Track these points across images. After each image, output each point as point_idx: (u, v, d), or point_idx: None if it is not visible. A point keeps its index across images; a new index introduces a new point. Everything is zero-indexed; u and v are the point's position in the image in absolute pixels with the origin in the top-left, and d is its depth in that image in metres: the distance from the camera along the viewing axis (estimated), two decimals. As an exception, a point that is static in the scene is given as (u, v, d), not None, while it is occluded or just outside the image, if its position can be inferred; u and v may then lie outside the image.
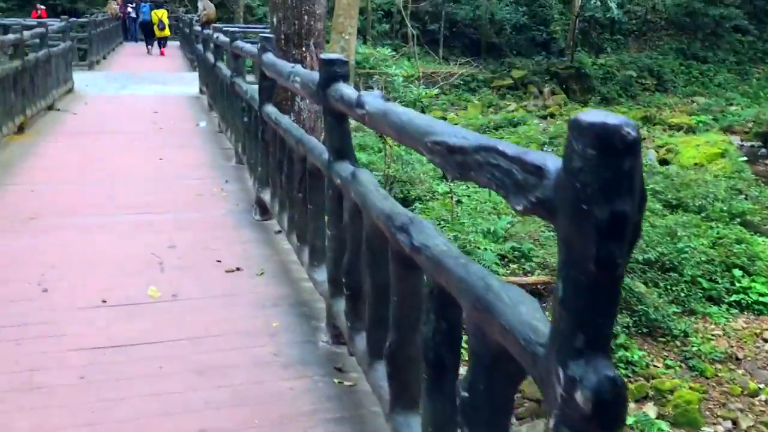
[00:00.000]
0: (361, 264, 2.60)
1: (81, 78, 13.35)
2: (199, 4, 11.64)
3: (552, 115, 28.45)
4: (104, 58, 19.51)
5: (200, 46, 11.12)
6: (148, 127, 8.98)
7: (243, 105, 6.05)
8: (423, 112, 10.81)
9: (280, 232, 4.65)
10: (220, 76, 7.86)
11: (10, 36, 7.67)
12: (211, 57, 9.50)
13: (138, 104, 11.06)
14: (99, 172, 6.47)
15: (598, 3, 26.89)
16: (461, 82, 31.40)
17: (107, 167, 6.66)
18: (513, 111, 29.62)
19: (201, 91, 12.19)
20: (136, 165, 6.79)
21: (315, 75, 3.10)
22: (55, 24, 11.20)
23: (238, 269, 4.06)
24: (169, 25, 23.79)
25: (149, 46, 22.70)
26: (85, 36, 16.84)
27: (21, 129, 8.02)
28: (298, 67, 3.58)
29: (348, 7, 10.15)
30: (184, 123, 9.43)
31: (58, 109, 10.01)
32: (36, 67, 8.88)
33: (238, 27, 17.73)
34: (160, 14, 21.65)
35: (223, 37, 7.64)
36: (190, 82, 13.79)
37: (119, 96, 12.01)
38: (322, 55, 2.94)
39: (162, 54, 22.06)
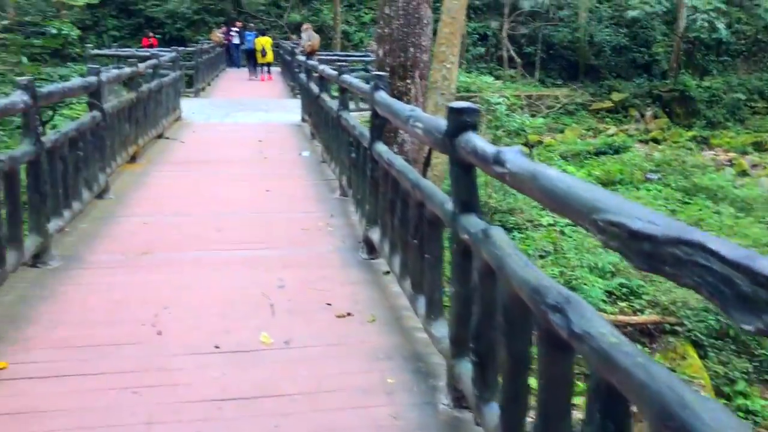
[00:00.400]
0: (493, 331, 2.40)
1: (188, 105, 13.83)
2: (303, 35, 11.83)
3: (655, 140, 27.31)
4: (209, 84, 20.23)
5: (303, 76, 11.28)
6: (254, 156, 9.12)
7: (350, 140, 5.99)
8: (527, 144, 10.54)
9: (388, 272, 4.51)
10: (325, 107, 7.88)
11: (127, 69, 7.99)
12: (315, 88, 9.59)
13: (243, 132, 11.31)
14: (208, 203, 6.57)
15: (705, 24, 25.67)
16: (558, 105, 30.72)
17: (215, 198, 6.75)
18: (613, 135, 28.64)
19: (303, 120, 12.35)
20: (244, 196, 6.86)
21: (440, 123, 2.95)
22: (166, 54, 11.67)
23: (348, 314, 3.94)
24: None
25: (252, 73, 23.63)
26: (192, 64, 17.52)
27: (133, 158, 8.30)
28: (419, 111, 3.43)
29: (450, 36, 10.02)
30: (288, 152, 9.53)
31: (168, 138, 10.35)
32: (148, 98, 9.21)
33: (338, 55, 18.02)
34: (264, 42, 22.42)
35: (329, 70, 7.66)
36: (292, 110, 14.03)
37: (224, 124, 12.35)
38: (451, 104, 2.77)
39: (263, 80, 22.81)
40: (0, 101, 4.05)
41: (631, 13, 27.39)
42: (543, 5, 32.99)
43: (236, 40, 27.58)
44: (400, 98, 7.13)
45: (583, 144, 26.32)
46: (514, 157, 2.14)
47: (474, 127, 2.72)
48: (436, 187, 3.28)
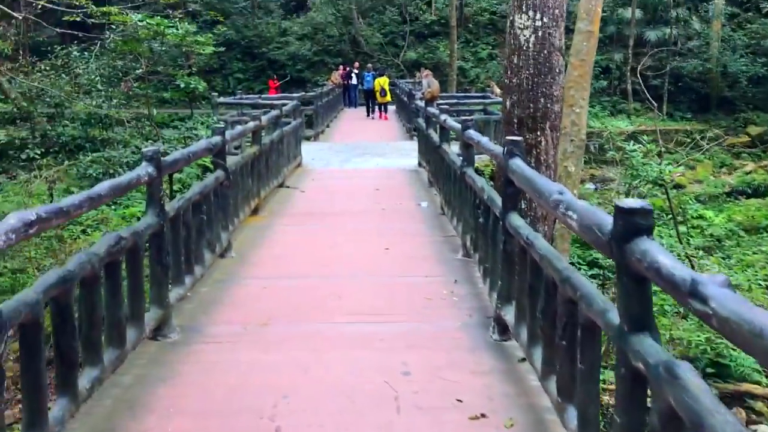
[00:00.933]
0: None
1: (307, 150, 13.96)
2: (423, 82, 11.65)
3: (803, 178, 25.03)
4: (328, 126, 20.53)
5: (422, 122, 11.04)
6: (371, 207, 8.91)
7: (476, 201, 5.60)
8: (667, 194, 9.64)
9: (524, 359, 4.05)
10: (447, 160, 7.54)
11: (251, 124, 8.04)
12: (434, 136, 9.30)
13: (361, 180, 11.20)
14: (327, 263, 6.36)
15: None
16: (688, 140, 28.92)
17: (334, 257, 6.54)
18: (750, 172, 26.56)
19: (420, 164, 12.11)
20: (362, 256, 6.60)
21: (602, 219, 2.50)
22: (288, 104, 11.81)
23: (482, 416, 3.51)
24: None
25: (371, 112, 24.09)
26: (311, 108, 17.82)
27: (256, 210, 8.29)
28: (569, 197, 2.99)
29: (580, 78, 9.45)
30: (406, 202, 9.26)
31: (288, 186, 10.37)
32: (271, 149, 9.25)
33: (456, 97, 17.75)
34: (382, 82, 22.81)
35: (452, 122, 7.33)
36: (409, 154, 13.85)
37: (343, 170, 12.31)
38: (617, 202, 2.33)
39: (382, 118, 23.20)
40: (125, 176, 3.99)
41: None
42: (670, 36, 31.42)
43: (354, 81, 28.06)
44: (529, 151, 6.68)
45: (717, 183, 24.54)
46: (722, 294, 1.67)
47: (649, 231, 2.26)
48: (594, 288, 2.82)
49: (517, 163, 4.16)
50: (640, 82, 21.63)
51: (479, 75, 33.41)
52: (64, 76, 15.44)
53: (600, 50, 33.96)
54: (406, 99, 19.28)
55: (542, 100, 6.67)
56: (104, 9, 11.82)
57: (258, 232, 7.49)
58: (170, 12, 12.91)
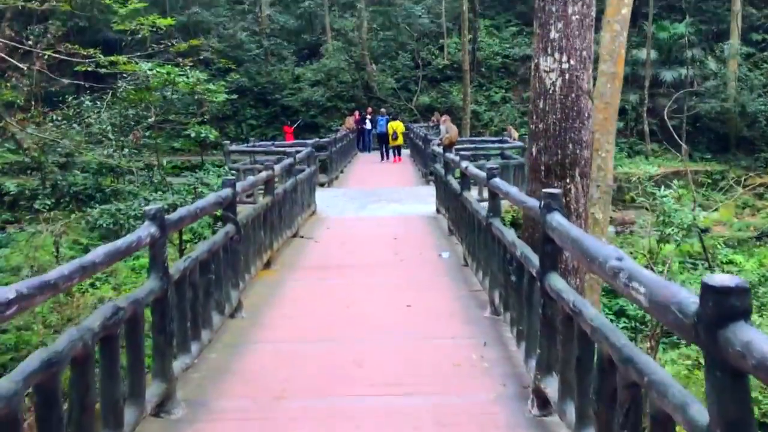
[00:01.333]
0: None
1: (322, 197, 13.64)
2: (441, 127, 11.35)
3: (829, 218, 24.41)
4: (342, 171, 20.28)
5: (441, 168, 10.69)
6: (390, 258, 8.51)
7: (506, 256, 5.19)
8: (701, 240, 9.29)
9: (569, 439, 3.58)
10: (469, 208, 7.15)
11: (263, 174, 7.71)
12: (454, 183, 8.94)
13: (377, 228, 10.82)
14: (345, 323, 5.93)
15: None
16: (708, 181, 28.42)
17: (352, 318, 6.10)
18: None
19: (438, 211, 11.74)
20: (382, 314, 6.16)
21: (682, 296, 2.08)
22: (301, 151, 11.53)
23: None
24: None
25: (384, 156, 24.41)
26: (325, 154, 17.58)
27: (268, 264, 7.91)
28: (630, 264, 2.57)
29: (605, 122, 9.12)
30: (426, 252, 8.85)
31: (302, 237, 10.00)
32: (284, 199, 8.92)
33: (473, 141, 17.49)
34: (395, 126, 23.09)
35: (475, 170, 6.95)
36: (426, 200, 13.50)
37: (359, 218, 11.96)
38: (706, 279, 1.91)
39: (396, 161, 23.51)
40: (124, 240, 3.61)
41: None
42: (686, 76, 31.20)
43: (369, 126, 28.00)
44: (557, 201, 6.27)
45: (742, 225, 23.97)
46: None
47: (747, 315, 1.84)
48: (667, 374, 2.38)
49: (558, 219, 3.76)
50: (666, 123, 21.19)
51: (493, 118, 33.31)
52: (75, 126, 15.32)
53: (614, 91, 33.85)
54: (421, 143, 19.05)
55: (571, 146, 6.29)
56: (112, 58, 11.69)
57: (270, 289, 7.09)
58: (180, 60, 12.77)
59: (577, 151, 6.32)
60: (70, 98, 15.06)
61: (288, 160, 9.57)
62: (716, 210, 26.87)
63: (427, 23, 36.99)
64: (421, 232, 10.38)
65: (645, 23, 33.74)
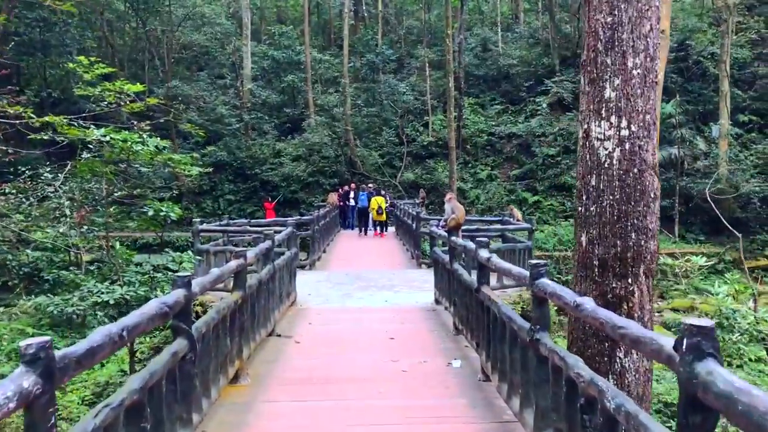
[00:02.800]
0: None
1: (302, 281, 12.04)
2: (447, 206, 9.89)
3: (834, 305, 23.15)
4: (324, 251, 18.71)
5: (442, 253, 9.20)
6: (387, 368, 6.86)
7: (564, 387, 3.64)
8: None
9: None
10: (497, 312, 5.61)
11: (231, 264, 6.11)
12: (465, 275, 7.45)
13: (368, 323, 9.19)
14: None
15: None
16: (708, 264, 27.24)
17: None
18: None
19: (437, 302, 10.19)
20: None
21: None
22: (281, 231, 9.99)
23: None
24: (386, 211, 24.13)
25: (364, 231, 24.57)
26: (307, 233, 16.04)
27: (236, 377, 6.24)
28: None
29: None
30: (431, 358, 7.22)
31: (279, 335, 8.35)
32: (258, 292, 7.32)
33: (472, 222, 16.09)
34: (380, 201, 23.11)
35: (506, 265, 5.41)
36: (421, 287, 11.98)
37: (346, 309, 10.32)
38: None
39: (377, 235, 23.61)
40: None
41: None
42: (676, 156, 30.51)
43: (353, 202, 26.79)
44: (618, 305, 4.77)
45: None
46: None
47: None
48: None
49: (712, 367, 2.23)
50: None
51: (479, 196, 32.21)
52: (30, 199, 13.69)
53: (603, 171, 33.04)
54: (410, 222, 17.62)
55: (633, 235, 4.84)
56: (48, 119, 10.11)
57: (236, 416, 5.39)
58: (134, 123, 11.25)
59: (642, 242, 4.87)
60: (23, 169, 13.45)
61: (265, 244, 8.01)
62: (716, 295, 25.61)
63: (411, 100, 36.35)
64: (421, 329, 8.76)
65: (632, 103, 33.32)
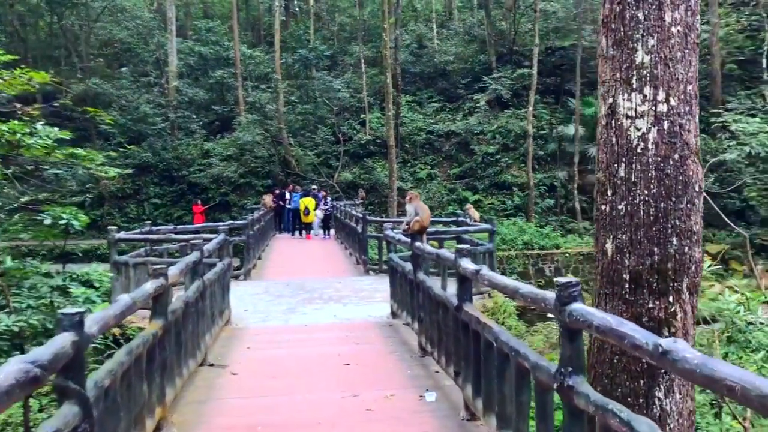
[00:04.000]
0: None
1: (237, 295, 10.65)
2: (409, 207, 8.57)
3: (775, 299, 23.13)
4: (260, 258, 17.23)
5: (403, 262, 7.99)
6: (348, 408, 5.59)
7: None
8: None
9: None
10: (486, 337, 4.44)
11: (148, 286, 4.71)
12: (435, 287, 6.27)
13: (317, 345, 7.88)
14: None
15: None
16: (647, 261, 26.98)
17: None
18: (720, 294, 24.56)
19: (394, 314, 9.00)
20: None
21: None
22: (212, 239, 8.55)
23: None
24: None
25: (297, 232, 24.32)
26: (241, 239, 14.53)
27: (158, 428, 4.86)
28: None
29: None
30: (399, 390, 5.99)
31: (212, 364, 6.96)
32: (185, 316, 5.94)
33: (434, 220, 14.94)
34: (307, 202, 22.72)
35: (504, 280, 4.23)
36: (372, 297, 10.80)
37: (289, 327, 8.97)
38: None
39: (308, 238, 23.03)
40: None
41: (729, 156, 24.21)
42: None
43: (290, 204, 25.51)
44: (656, 331, 3.66)
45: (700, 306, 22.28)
46: None
47: None
48: None
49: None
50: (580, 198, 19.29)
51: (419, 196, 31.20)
52: None
53: (542, 168, 32.66)
54: (355, 224, 16.36)
55: (675, 240, 3.76)
56: None
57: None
58: (17, 106, 9.51)
59: (685, 249, 3.79)
60: None
61: (191, 256, 6.61)
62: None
63: (347, 97, 35.04)
64: (380, 350, 7.53)
65: (569, 99, 33.08)
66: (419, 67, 37.80)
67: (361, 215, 14.81)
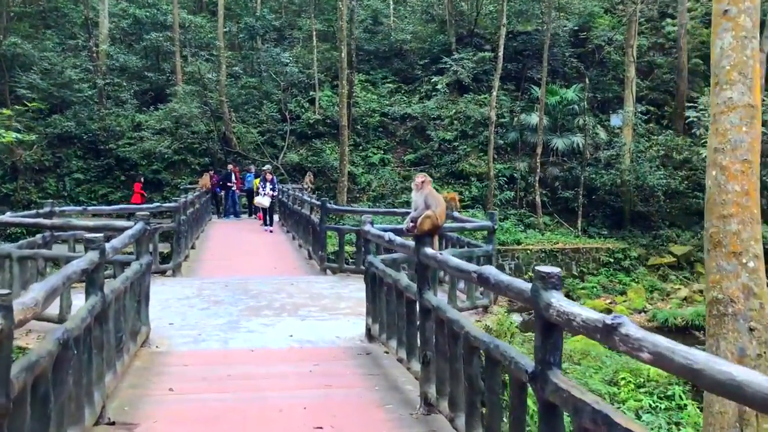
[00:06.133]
0: None
1: (162, 298, 8.23)
2: (416, 196, 5.95)
3: (745, 305, 21.96)
4: (193, 247, 14.66)
5: (391, 271, 5.74)
6: None
7: None
8: None
9: None
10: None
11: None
12: (467, 325, 4.06)
13: (272, 388, 5.52)
14: None
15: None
16: (611, 260, 25.56)
17: None
18: (686, 298, 23.34)
19: (370, 335, 6.76)
20: None
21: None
22: (123, 232, 6.01)
23: None
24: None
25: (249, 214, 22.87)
26: (171, 226, 11.94)
27: None
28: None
29: (744, 200, 4.69)
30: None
31: (112, 423, 4.57)
32: (60, 363, 3.55)
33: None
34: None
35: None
36: (334, 306, 8.54)
37: (230, 354, 6.55)
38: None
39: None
40: None
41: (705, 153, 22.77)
42: (579, 145, 28.73)
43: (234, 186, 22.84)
44: None
45: (663, 314, 20.88)
46: None
47: None
48: None
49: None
50: (559, 195, 17.68)
51: (371, 182, 28.99)
52: None
53: (501, 158, 30.82)
54: (309, 213, 13.95)
55: None
56: None
57: None
58: None
59: None
60: None
61: (80, 262, 4.20)
62: (624, 293, 24.00)
63: (295, 72, 32.31)
64: (364, 401, 5.24)
65: (532, 86, 31.36)
66: (374, 44, 35.42)
67: (318, 202, 12.41)
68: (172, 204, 12.26)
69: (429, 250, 4.79)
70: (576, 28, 33.72)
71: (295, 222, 16.51)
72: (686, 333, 18.90)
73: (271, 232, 18.66)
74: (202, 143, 29.19)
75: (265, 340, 7.01)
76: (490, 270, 3.67)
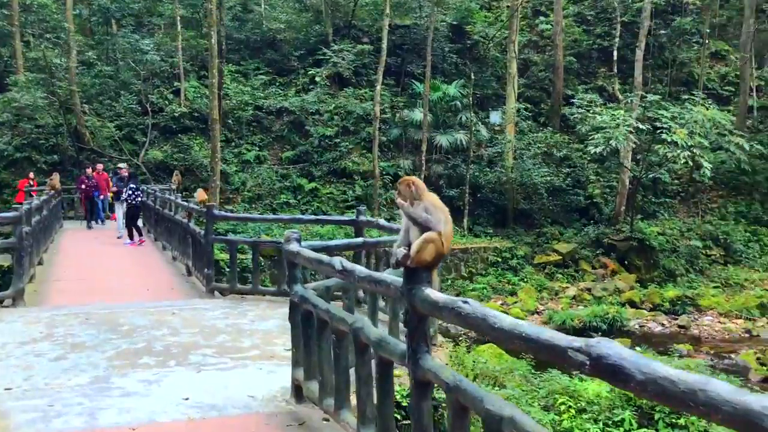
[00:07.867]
0: None
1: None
2: (413, 210, 3.97)
3: (632, 303, 22.01)
4: (40, 263, 11.97)
5: (333, 311, 3.99)
6: None
7: None
8: None
9: None
10: None
11: None
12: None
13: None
14: None
15: (688, 161, 21.36)
16: (499, 260, 24.95)
17: None
18: (575, 296, 23.12)
19: (298, 395, 4.95)
20: None
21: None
22: None
23: None
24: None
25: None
26: (12, 242, 9.29)
27: None
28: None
29: None
30: None
31: None
32: None
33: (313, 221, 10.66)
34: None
35: None
36: (235, 345, 6.62)
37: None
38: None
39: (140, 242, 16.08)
40: None
41: (595, 149, 22.59)
42: (462, 142, 27.99)
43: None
44: None
45: (560, 316, 20.36)
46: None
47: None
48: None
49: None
50: (443, 193, 16.61)
51: (246, 182, 26.70)
52: None
53: (385, 155, 29.49)
54: (184, 220, 11.67)
55: None
56: None
57: None
58: None
59: None
60: None
61: None
62: (514, 294, 23.41)
63: (157, 61, 29.20)
64: None
65: (412, 81, 30.34)
66: (244, 33, 32.98)
67: (203, 209, 10.18)
68: (11, 213, 9.58)
69: (430, 292, 3.07)
70: (455, 23, 33.08)
71: (166, 229, 14.10)
72: (584, 335, 18.43)
73: (141, 244, 15.72)
74: (50, 138, 25.58)
75: (151, 408, 4.95)
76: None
